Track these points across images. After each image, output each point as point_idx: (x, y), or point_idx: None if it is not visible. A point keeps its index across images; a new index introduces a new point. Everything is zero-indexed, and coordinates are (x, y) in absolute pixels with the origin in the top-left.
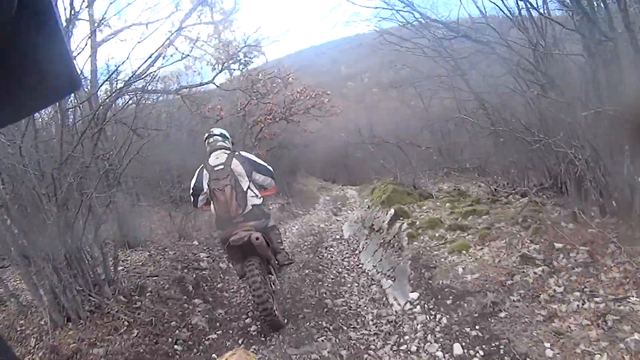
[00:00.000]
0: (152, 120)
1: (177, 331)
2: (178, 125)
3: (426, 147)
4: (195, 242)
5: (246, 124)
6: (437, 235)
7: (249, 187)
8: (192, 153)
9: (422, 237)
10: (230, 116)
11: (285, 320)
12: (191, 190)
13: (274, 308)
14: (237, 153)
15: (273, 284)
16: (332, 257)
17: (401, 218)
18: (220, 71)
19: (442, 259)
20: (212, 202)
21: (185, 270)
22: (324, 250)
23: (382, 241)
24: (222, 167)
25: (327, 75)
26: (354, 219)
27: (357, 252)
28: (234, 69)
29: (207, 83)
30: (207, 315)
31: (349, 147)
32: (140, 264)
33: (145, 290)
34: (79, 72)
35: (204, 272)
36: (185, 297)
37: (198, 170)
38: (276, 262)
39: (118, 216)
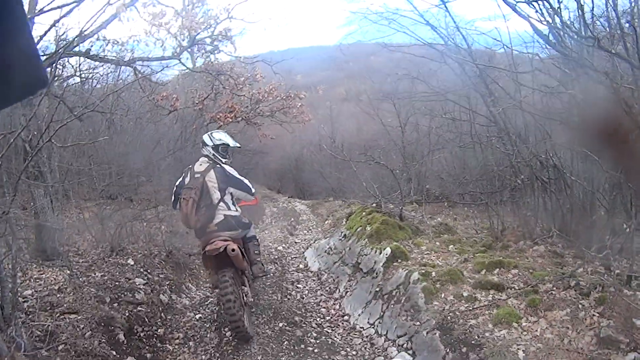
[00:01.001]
0: (95, 99)
1: None
2: (124, 110)
3: (401, 170)
4: (131, 261)
5: (202, 119)
6: (464, 294)
7: (221, 200)
8: (138, 145)
9: (443, 295)
10: (186, 108)
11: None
12: (174, 189)
13: (245, 324)
14: (218, 166)
15: (245, 295)
16: (303, 298)
17: (399, 260)
18: (188, 47)
19: (487, 334)
20: (185, 202)
21: (116, 305)
22: (290, 287)
23: (378, 290)
24: (198, 175)
25: (283, 82)
26: (323, 247)
27: (336, 295)
28: (198, 55)
29: (170, 58)
30: None
31: (303, 159)
32: (56, 288)
33: (57, 340)
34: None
35: (139, 309)
36: (114, 352)
37: (185, 170)
38: (251, 273)
39: (35, 217)
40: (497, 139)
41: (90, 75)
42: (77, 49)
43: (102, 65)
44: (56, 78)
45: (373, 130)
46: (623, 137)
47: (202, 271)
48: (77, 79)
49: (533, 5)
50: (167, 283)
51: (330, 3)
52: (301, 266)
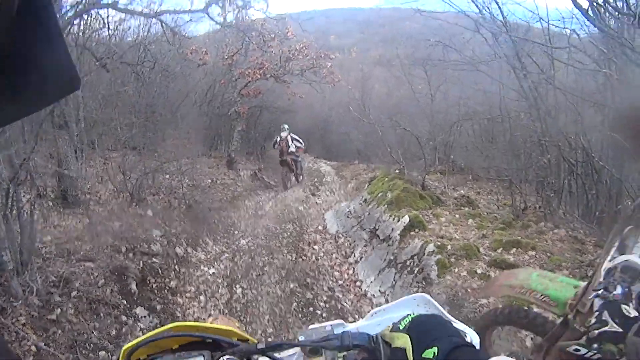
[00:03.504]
0: (123, 52)
1: None
2: (151, 63)
3: (427, 138)
4: (150, 212)
5: (231, 74)
6: (477, 271)
7: (292, 144)
8: (165, 98)
9: (456, 270)
10: (215, 63)
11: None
12: (273, 143)
13: (287, 183)
14: (290, 133)
15: (290, 180)
16: (318, 260)
17: (417, 230)
18: (218, 0)
19: None
20: (279, 146)
21: (131, 255)
22: (306, 248)
23: (392, 258)
24: (284, 136)
25: (315, 43)
26: (343, 210)
27: (351, 260)
28: (229, 10)
29: (198, 11)
30: None
31: (331, 120)
32: (75, 236)
33: (71, 286)
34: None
35: (154, 260)
36: (125, 301)
37: (276, 137)
38: (295, 176)
39: (58, 165)
40: (527, 115)
41: (119, 27)
42: (105, 0)
43: (132, 18)
44: (84, 30)
45: (403, 96)
46: None
47: (220, 226)
48: (106, 31)
49: None
50: (184, 236)
51: None
52: (320, 228)
